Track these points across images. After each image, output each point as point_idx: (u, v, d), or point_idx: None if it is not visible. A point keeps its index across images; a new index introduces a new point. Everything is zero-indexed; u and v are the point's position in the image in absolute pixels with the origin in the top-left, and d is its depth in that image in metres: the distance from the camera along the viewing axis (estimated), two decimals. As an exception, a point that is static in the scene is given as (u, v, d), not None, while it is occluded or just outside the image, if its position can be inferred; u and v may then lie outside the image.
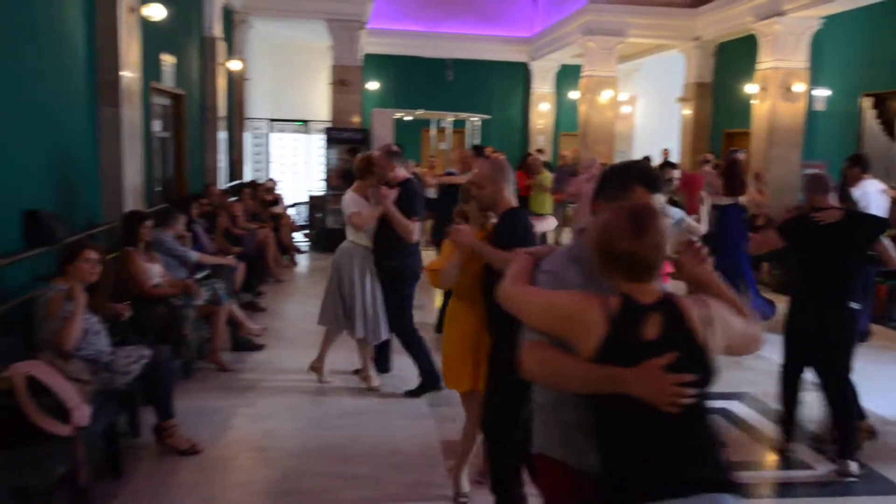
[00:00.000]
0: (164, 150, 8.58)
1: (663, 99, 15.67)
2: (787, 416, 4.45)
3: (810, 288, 4.24)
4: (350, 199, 5.23)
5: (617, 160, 14.88)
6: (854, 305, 4.16)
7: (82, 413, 3.41)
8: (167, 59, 8.19)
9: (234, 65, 11.27)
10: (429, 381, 5.18)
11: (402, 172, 5.20)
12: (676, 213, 5.52)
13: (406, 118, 13.53)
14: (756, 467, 4.38)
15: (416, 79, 15.90)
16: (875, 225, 4.27)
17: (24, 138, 4.63)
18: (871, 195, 6.43)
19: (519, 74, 16.78)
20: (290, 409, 4.95)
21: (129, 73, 6.27)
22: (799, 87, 10.43)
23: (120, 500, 3.64)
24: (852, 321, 4.20)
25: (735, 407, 5.25)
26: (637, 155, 16.43)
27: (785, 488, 4.06)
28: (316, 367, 5.46)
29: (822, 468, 4.26)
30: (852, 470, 4.08)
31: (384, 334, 5.29)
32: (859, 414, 4.41)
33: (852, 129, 9.84)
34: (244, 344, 6.13)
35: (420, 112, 13.08)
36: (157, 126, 8.14)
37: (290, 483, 3.88)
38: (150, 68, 7.43)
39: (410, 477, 3.97)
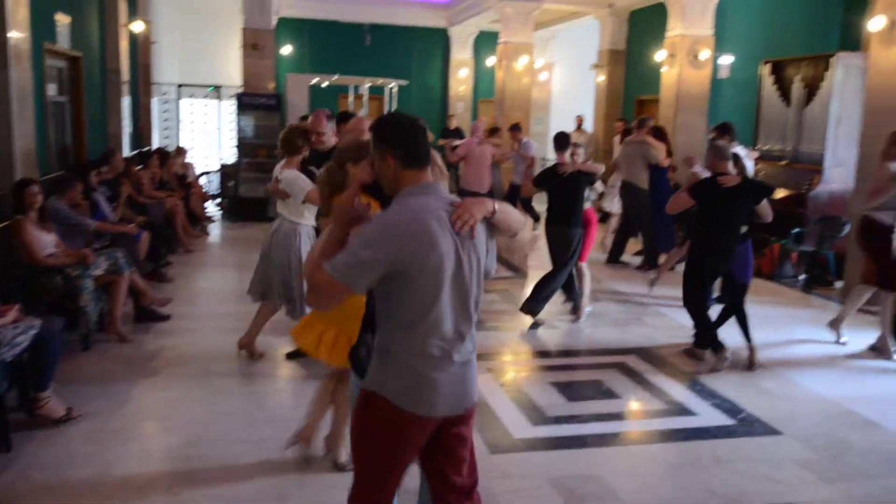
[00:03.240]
0: (61, 115, 8.20)
1: (579, 66, 15.90)
2: (700, 327, 5.50)
3: (710, 238, 5.30)
4: (295, 176, 4.84)
5: (534, 127, 15.10)
6: (739, 247, 5.42)
7: (-38, 386, 3.29)
8: (62, 19, 7.79)
9: (138, 26, 10.81)
10: None
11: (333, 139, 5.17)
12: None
13: (322, 84, 13.29)
14: (647, 416, 4.60)
15: (332, 43, 15.61)
16: (764, 190, 5.33)
17: None
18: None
19: (438, 40, 16.70)
20: (193, 377, 4.88)
21: (17, 33, 5.94)
22: (705, 54, 10.76)
23: (8, 473, 3.54)
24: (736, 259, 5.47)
25: (631, 361, 5.49)
26: (554, 121, 16.69)
27: (673, 434, 4.28)
28: (244, 343, 5.22)
29: (704, 414, 4.53)
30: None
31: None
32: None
33: (752, 96, 10.22)
34: (148, 314, 5.98)
35: (336, 78, 12.87)
36: (51, 90, 7.75)
37: (190, 450, 3.85)
38: (43, 28, 7.06)
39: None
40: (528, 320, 6.29)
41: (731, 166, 5.36)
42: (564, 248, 6.12)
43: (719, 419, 4.46)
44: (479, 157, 9.29)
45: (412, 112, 2.29)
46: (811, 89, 9.13)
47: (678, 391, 4.92)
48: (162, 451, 3.84)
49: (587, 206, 6.34)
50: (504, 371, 5.28)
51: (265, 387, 4.80)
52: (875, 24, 7.21)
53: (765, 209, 5.26)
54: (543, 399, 4.71)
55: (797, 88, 9.35)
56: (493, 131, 10.86)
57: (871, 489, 3.70)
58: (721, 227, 5.29)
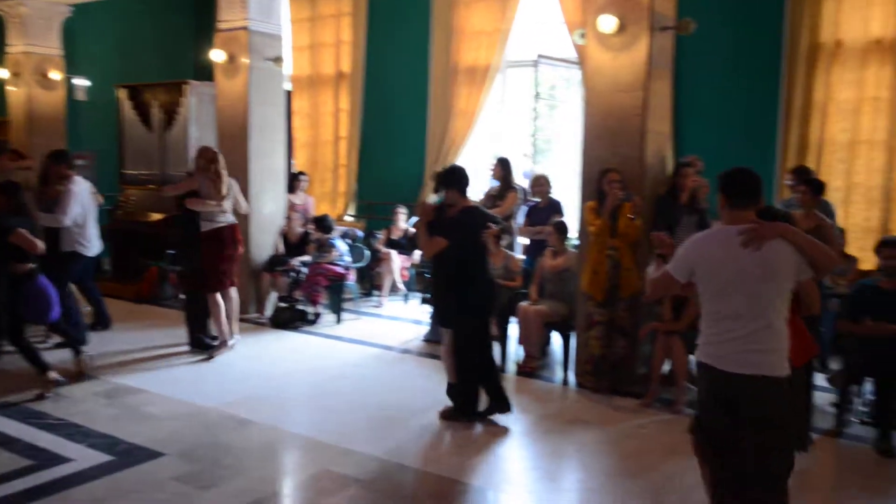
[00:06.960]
0: None
1: None
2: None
3: None
4: None
5: None
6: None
7: None
8: None
9: None
10: None
11: None
12: None
13: None
14: (14, 477, 3.95)
15: None
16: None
17: None
18: (82, 192, 6.58)
19: None
20: None
21: None
22: (55, 74, 10.11)
23: None
24: None
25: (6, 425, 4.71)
26: None
27: (45, 489, 3.78)
28: None
29: (80, 457, 4.17)
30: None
31: None
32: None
33: (113, 119, 10.01)
34: None
35: None
36: None
37: None
38: None
39: None
40: None
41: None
42: None
43: (97, 458, 4.14)
44: None
45: None
46: (170, 115, 9.40)
47: (48, 440, 4.40)
48: None
49: None
50: None
51: None
52: (216, 56, 7.83)
53: (22, 239, 5.01)
54: None
55: (156, 114, 9.52)
56: None
57: (244, 483, 3.92)
58: None
